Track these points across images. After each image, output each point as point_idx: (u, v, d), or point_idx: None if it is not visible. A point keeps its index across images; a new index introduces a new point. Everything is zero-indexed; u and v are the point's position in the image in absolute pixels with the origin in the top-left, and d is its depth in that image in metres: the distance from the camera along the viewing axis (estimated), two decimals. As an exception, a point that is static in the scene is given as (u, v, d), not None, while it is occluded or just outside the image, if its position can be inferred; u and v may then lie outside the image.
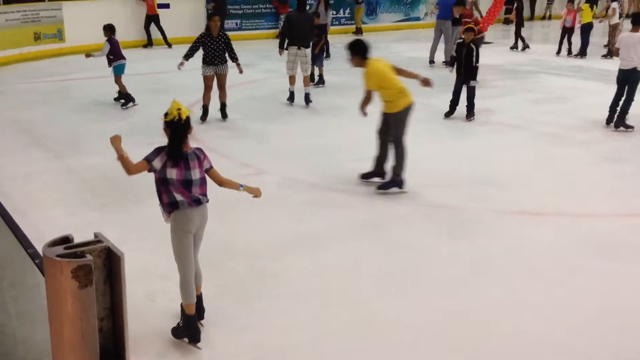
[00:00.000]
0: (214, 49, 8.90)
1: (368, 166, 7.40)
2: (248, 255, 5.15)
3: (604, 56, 15.97)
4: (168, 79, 12.35)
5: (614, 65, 14.28)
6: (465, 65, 9.23)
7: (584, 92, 11.81)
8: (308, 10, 11.56)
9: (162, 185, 3.84)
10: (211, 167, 3.99)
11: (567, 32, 15.79)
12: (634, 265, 5.09)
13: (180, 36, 17.27)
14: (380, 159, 6.75)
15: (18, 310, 2.79)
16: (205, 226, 4.03)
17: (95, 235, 0.93)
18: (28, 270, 2.14)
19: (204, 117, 9.08)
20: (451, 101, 9.58)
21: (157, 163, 3.79)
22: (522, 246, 5.38)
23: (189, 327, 3.98)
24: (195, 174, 3.85)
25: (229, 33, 15.65)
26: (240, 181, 4.20)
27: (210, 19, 9.14)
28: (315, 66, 11.80)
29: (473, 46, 9.15)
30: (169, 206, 3.85)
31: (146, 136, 8.46)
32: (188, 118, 3.81)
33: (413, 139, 8.64)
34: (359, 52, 6.33)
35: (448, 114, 9.56)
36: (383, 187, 6.54)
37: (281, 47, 10.38)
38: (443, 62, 14.21)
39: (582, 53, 15.87)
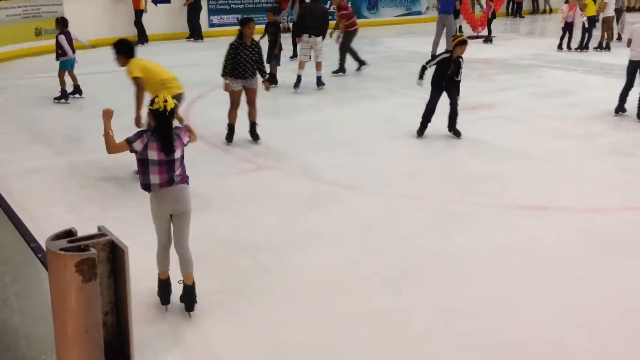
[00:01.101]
0: (247, 60, 7.67)
1: (370, 161, 7.40)
2: (249, 250, 5.15)
3: (595, 48, 15.89)
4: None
5: (615, 59, 14.30)
6: (449, 80, 8.02)
7: (586, 86, 11.79)
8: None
9: (142, 165, 4.03)
10: (190, 140, 4.20)
11: (569, 27, 15.70)
12: (638, 260, 5.07)
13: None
14: None
15: (20, 305, 2.78)
16: (189, 210, 4.14)
17: (99, 228, 0.93)
18: (31, 266, 2.14)
19: (229, 137, 7.94)
20: (424, 117, 8.24)
21: (138, 145, 3.98)
22: (524, 241, 5.37)
23: (159, 290, 4.28)
24: (177, 153, 4.03)
25: (228, 28, 15.40)
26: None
27: (245, 24, 7.71)
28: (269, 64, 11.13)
29: (461, 60, 8.02)
30: (143, 187, 4.09)
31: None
32: (172, 110, 4.00)
33: (414, 134, 8.65)
34: (123, 50, 6.50)
35: (421, 133, 8.26)
36: None
37: (297, 35, 11.62)
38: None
39: (585, 46, 15.81)
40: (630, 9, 23.48)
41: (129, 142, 4.00)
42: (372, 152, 7.78)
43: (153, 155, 3.97)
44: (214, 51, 14.91)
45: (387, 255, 5.10)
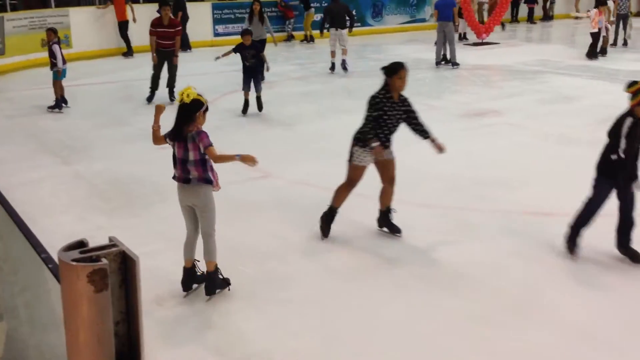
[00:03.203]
0: (393, 123, 5.45)
1: (375, 168, 7.39)
2: (257, 258, 5.15)
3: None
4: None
5: (620, 64, 14.27)
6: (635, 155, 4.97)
7: (592, 92, 11.77)
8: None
9: (172, 158, 4.42)
10: (206, 147, 4.26)
11: (597, 33, 14.94)
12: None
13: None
14: None
15: (29, 316, 2.79)
16: (205, 206, 4.39)
17: (110, 239, 0.94)
18: (39, 276, 2.15)
19: (326, 230, 5.54)
20: (577, 224, 5.12)
21: (170, 140, 4.40)
22: (531, 247, 5.35)
23: (182, 277, 4.54)
24: (192, 155, 4.27)
25: (232, 37, 15.25)
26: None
27: (394, 72, 5.32)
28: (248, 90, 9.94)
29: None
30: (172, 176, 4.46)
31: (154, 141, 8.51)
32: (194, 102, 4.24)
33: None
34: None
35: (572, 247, 5.11)
36: None
37: (321, 30, 13.66)
38: (451, 63, 14.26)
39: (604, 52, 15.62)
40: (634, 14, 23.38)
41: (165, 136, 4.42)
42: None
43: (175, 151, 4.38)
44: (219, 60, 15.00)
45: (395, 262, 5.09)
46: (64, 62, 10.09)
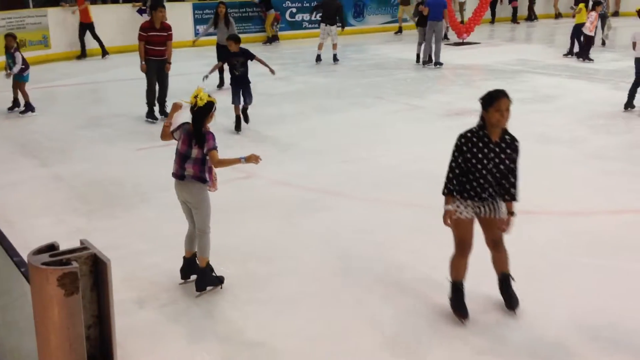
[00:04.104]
0: (490, 170, 4.19)
1: (359, 167, 7.41)
2: (238, 258, 5.12)
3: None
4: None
5: (599, 64, 14.44)
6: None
7: (571, 91, 11.88)
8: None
9: (175, 154, 4.46)
10: (209, 149, 4.34)
11: (592, 37, 15.00)
12: (626, 262, 5.10)
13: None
14: None
15: (5, 319, 2.74)
16: (197, 203, 4.46)
17: (81, 242, 0.92)
18: (16, 279, 2.11)
19: (464, 312, 4.23)
20: None
21: (176, 135, 4.49)
22: (513, 245, 5.37)
23: (181, 266, 4.66)
24: (194, 153, 4.35)
25: (213, 38, 15.10)
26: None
27: (490, 103, 4.26)
28: (238, 104, 9.08)
29: None
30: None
31: (133, 142, 8.44)
32: (208, 104, 4.35)
33: (402, 141, 8.68)
34: None
35: None
36: None
37: (311, 14, 15.87)
38: (434, 62, 14.34)
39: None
40: (614, 14, 23.65)
41: (172, 132, 4.52)
42: (361, 158, 7.78)
43: (179, 146, 4.42)
44: (198, 61, 14.94)
45: (378, 262, 5.09)
46: (27, 67, 10.03)
